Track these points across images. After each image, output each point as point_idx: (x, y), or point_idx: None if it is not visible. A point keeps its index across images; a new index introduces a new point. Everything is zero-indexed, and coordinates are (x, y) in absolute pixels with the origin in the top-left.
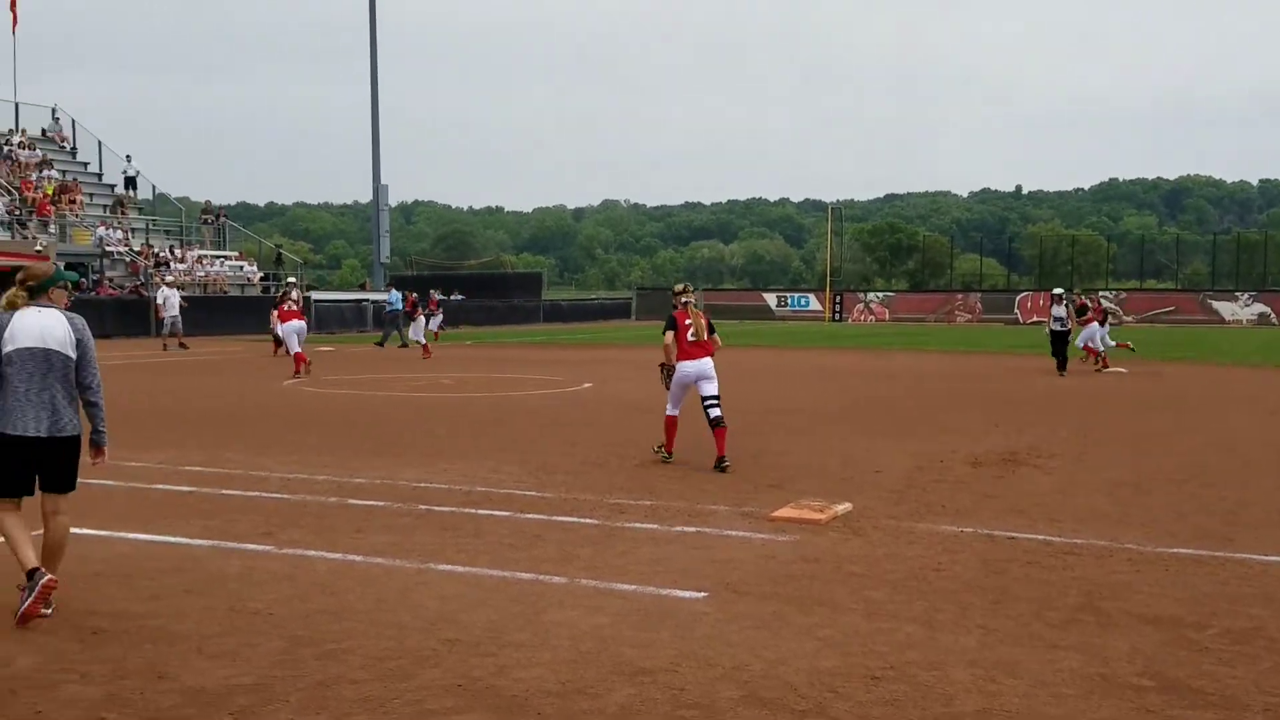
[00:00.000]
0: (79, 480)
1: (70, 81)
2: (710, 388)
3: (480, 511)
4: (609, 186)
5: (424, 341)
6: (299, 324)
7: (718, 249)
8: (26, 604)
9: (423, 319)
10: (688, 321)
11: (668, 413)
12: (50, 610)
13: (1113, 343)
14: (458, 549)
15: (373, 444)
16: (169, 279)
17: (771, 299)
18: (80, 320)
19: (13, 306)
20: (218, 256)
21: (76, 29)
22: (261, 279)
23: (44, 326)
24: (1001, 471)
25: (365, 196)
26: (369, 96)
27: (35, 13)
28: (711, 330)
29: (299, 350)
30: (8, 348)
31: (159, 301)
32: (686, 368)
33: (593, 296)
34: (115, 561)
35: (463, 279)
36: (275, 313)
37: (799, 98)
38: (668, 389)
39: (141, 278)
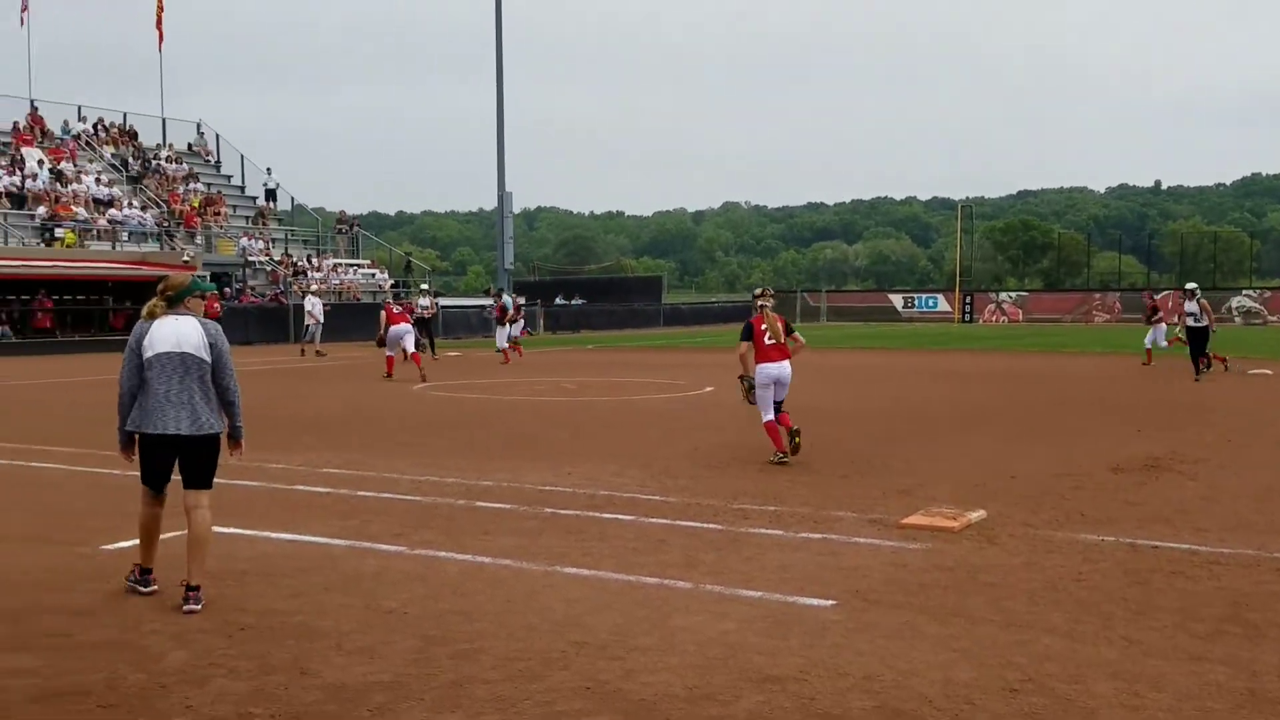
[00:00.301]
0: (226, 482)
1: (214, 97)
2: (781, 393)
3: (604, 515)
4: (729, 188)
5: (504, 347)
6: (406, 327)
7: (841, 249)
8: (133, 588)
9: (509, 325)
10: (764, 327)
11: (765, 420)
12: (200, 607)
13: (1164, 343)
14: (583, 552)
15: (499, 448)
16: (314, 288)
17: (898, 300)
18: (214, 326)
19: (152, 315)
20: (351, 265)
21: (220, 47)
22: (392, 286)
23: (180, 332)
24: (1143, 478)
25: (490, 204)
26: (494, 106)
27: (181, 31)
28: (789, 331)
29: (392, 354)
30: (148, 353)
31: (308, 309)
32: (768, 369)
33: (713, 299)
34: (260, 560)
35: (583, 284)
36: (383, 313)
37: (925, 93)
38: (747, 400)
39: (281, 286)
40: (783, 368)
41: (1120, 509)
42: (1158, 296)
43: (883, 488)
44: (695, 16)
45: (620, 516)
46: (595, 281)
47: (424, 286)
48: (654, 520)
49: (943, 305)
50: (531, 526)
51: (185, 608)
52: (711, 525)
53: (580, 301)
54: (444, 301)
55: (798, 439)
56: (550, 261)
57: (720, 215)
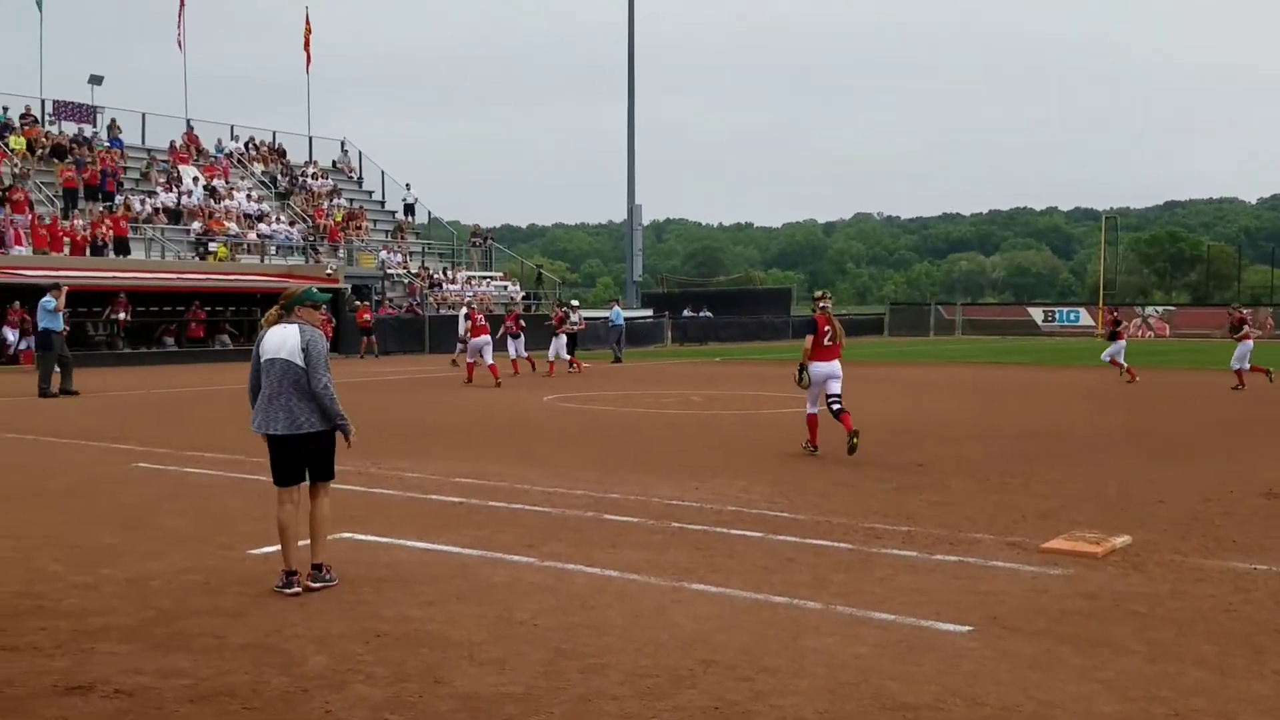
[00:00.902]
0: (365, 490)
1: (357, 115)
2: (836, 386)
3: (732, 531)
4: (861, 199)
5: (560, 358)
6: (486, 339)
7: (978, 261)
8: (282, 588)
9: (563, 337)
10: (827, 327)
11: (809, 411)
12: (318, 586)
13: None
14: (711, 568)
15: (626, 460)
16: (469, 299)
17: (1037, 314)
18: (311, 331)
19: (270, 322)
20: (484, 277)
21: (364, 66)
22: (524, 298)
23: (284, 339)
24: None
25: (620, 216)
26: (625, 119)
27: (328, 51)
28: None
29: (472, 361)
30: (262, 358)
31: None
32: (821, 368)
33: (844, 312)
34: (396, 567)
35: (711, 295)
36: (467, 324)
37: (1066, 100)
38: (801, 385)
39: (418, 298)
40: (832, 366)
41: (1274, 536)
42: (1244, 310)
43: (1022, 509)
44: (826, 22)
45: (748, 533)
46: (723, 293)
47: (574, 303)
48: (783, 538)
49: (1085, 319)
50: (659, 541)
51: (307, 585)
52: (842, 544)
53: (708, 314)
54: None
55: (856, 440)
56: (678, 273)
57: (851, 226)
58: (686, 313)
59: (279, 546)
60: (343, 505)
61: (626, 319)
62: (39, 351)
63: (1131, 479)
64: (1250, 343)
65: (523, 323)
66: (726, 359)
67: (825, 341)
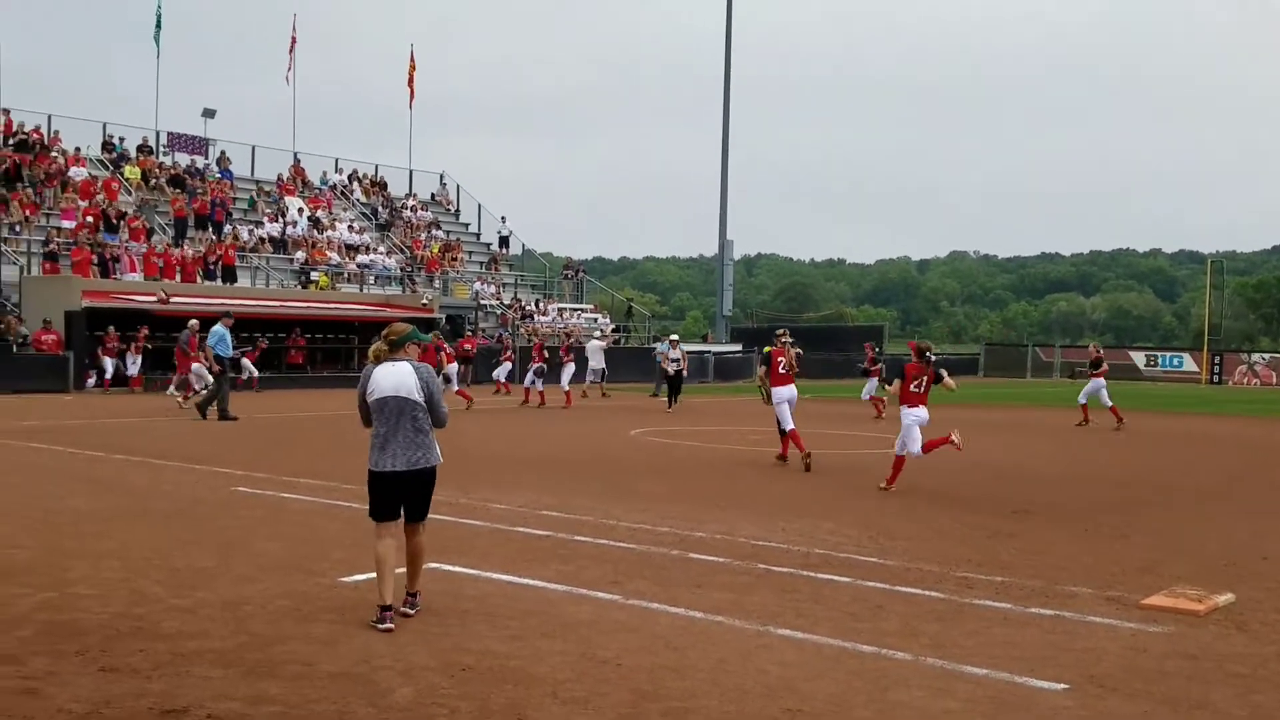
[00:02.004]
0: (454, 520)
1: (456, 147)
2: (791, 408)
3: (819, 575)
4: (957, 237)
5: (566, 390)
6: (508, 366)
7: (1077, 302)
8: (377, 622)
9: (570, 368)
10: (780, 358)
11: (788, 429)
12: (414, 611)
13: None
14: (797, 613)
15: (713, 497)
16: (598, 334)
17: (1139, 358)
18: (427, 369)
19: (377, 360)
20: (576, 309)
21: (464, 101)
22: (613, 330)
23: (399, 377)
24: None
25: (710, 250)
26: (718, 153)
27: (431, 85)
28: (796, 364)
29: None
30: (372, 396)
31: (590, 353)
32: (782, 391)
33: (937, 351)
34: (482, 600)
35: (802, 331)
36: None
37: (1170, 137)
38: (767, 401)
39: (509, 329)
40: (792, 389)
41: None
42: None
43: (1120, 562)
44: (924, 57)
45: (836, 578)
46: (814, 329)
47: (673, 338)
48: (871, 584)
49: (1189, 365)
50: (744, 582)
51: (403, 610)
52: (933, 593)
53: (798, 350)
54: (661, 347)
55: (808, 461)
56: (769, 308)
57: (946, 264)
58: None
59: (373, 575)
60: (432, 535)
61: (716, 354)
62: (218, 376)
63: (1236, 532)
64: (1103, 380)
65: (572, 354)
66: (816, 396)
67: (780, 370)
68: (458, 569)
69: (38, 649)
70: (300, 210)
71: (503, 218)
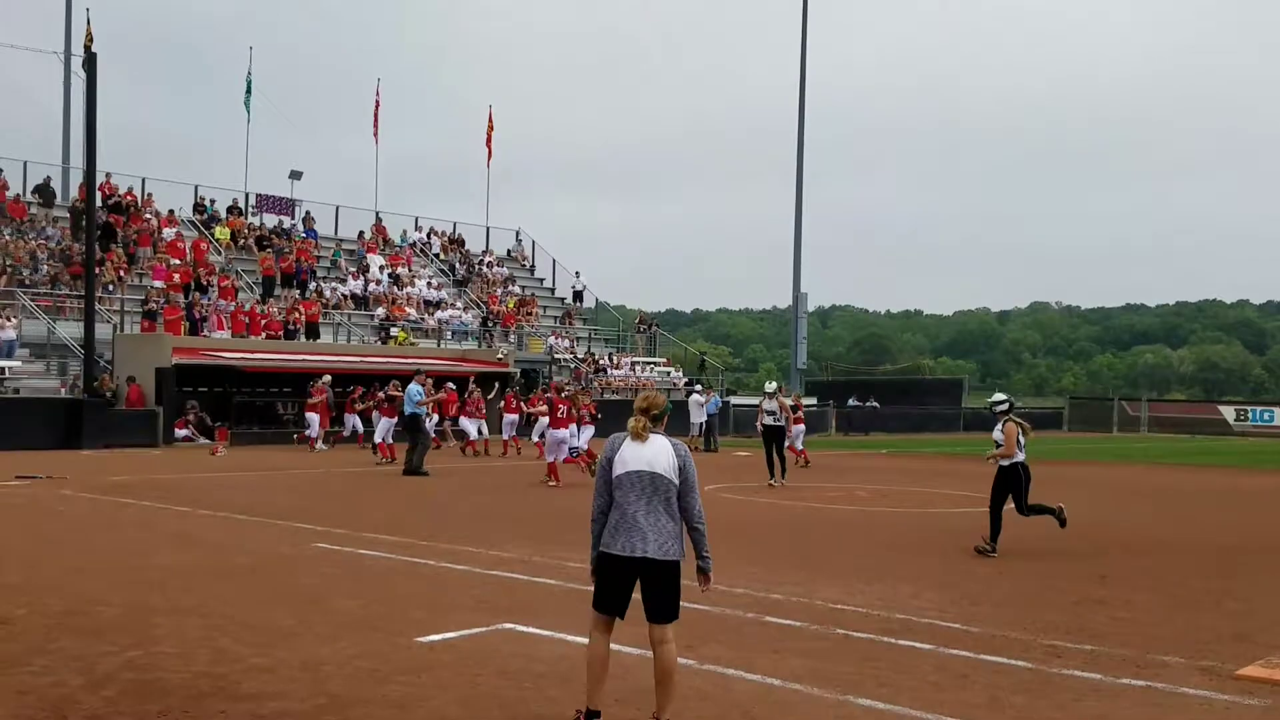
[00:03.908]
0: (523, 579)
1: (531, 203)
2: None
3: (900, 642)
4: (1038, 287)
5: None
6: (564, 433)
7: (1164, 354)
8: None
9: (467, 421)
10: (560, 406)
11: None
12: None
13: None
14: (878, 682)
15: (789, 557)
16: (698, 386)
17: (1229, 412)
18: (683, 446)
19: (638, 436)
20: (648, 363)
21: (539, 156)
22: (686, 384)
23: (654, 452)
24: None
25: (784, 302)
26: (793, 206)
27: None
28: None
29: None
30: (618, 470)
31: (700, 402)
32: (557, 433)
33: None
34: (556, 663)
35: (878, 384)
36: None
37: (1259, 185)
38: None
39: (582, 383)
40: (562, 432)
41: None
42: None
43: (1215, 630)
44: (1000, 107)
45: (918, 645)
46: (891, 382)
47: (770, 388)
48: (955, 652)
49: None
50: (823, 648)
51: None
52: (1019, 662)
53: (874, 403)
54: (736, 401)
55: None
56: (844, 361)
57: (1027, 315)
58: (852, 402)
59: (450, 635)
60: (506, 593)
61: (792, 408)
62: (411, 434)
63: None
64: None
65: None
66: (894, 451)
67: (559, 415)
68: (532, 630)
69: (123, 709)
70: (381, 267)
71: (577, 273)
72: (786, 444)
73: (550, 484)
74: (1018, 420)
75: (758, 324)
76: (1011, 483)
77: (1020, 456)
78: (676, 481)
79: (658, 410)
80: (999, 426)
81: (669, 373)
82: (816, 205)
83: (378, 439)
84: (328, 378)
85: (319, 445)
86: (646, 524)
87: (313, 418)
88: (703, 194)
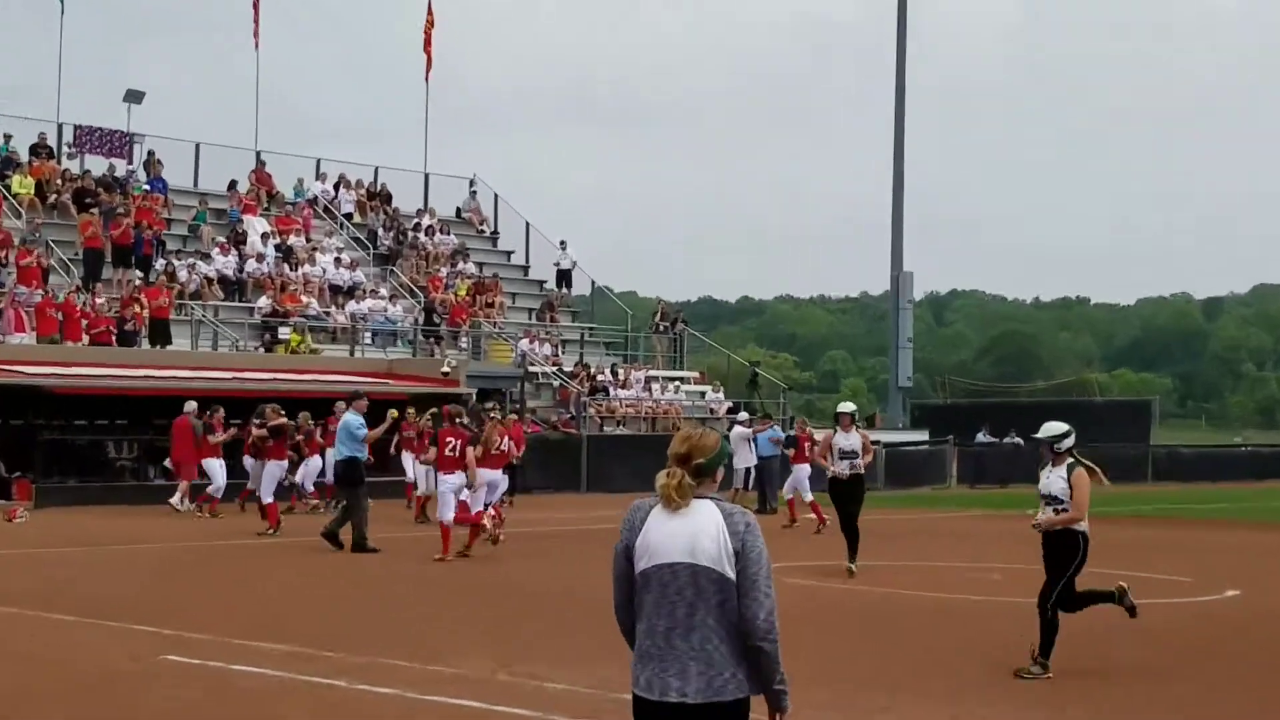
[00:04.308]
0: (474, 707)
1: (493, 144)
2: (493, 495)
3: None
4: (1262, 266)
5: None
6: (455, 479)
7: None
8: None
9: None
10: (449, 438)
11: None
12: None
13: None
14: None
15: (878, 669)
16: (742, 416)
17: None
18: (742, 516)
19: (672, 502)
20: (671, 378)
21: (504, 81)
22: (729, 410)
23: (694, 528)
24: None
25: (877, 286)
26: (889, 149)
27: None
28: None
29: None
30: (642, 563)
31: (748, 436)
32: (482, 474)
33: (1238, 442)
34: None
35: (1020, 410)
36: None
37: None
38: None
39: (572, 410)
40: (496, 474)
41: None
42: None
43: None
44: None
45: None
46: (1039, 407)
47: (844, 409)
48: None
49: None
50: None
51: None
52: None
53: (1015, 438)
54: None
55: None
56: (970, 374)
57: (1249, 305)
58: (982, 436)
59: None
60: None
61: (890, 445)
62: (346, 489)
63: None
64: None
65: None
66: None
67: (493, 450)
68: None
69: None
70: (265, 236)
71: (562, 243)
72: (786, 493)
73: (437, 558)
74: (1089, 464)
75: (837, 320)
76: (1067, 557)
77: (1085, 524)
78: (732, 574)
79: (705, 458)
80: (1057, 471)
81: (703, 393)
82: (924, 147)
83: (265, 496)
84: (192, 404)
85: (183, 505)
86: (686, 648)
87: (213, 465)
88: (750, 134)
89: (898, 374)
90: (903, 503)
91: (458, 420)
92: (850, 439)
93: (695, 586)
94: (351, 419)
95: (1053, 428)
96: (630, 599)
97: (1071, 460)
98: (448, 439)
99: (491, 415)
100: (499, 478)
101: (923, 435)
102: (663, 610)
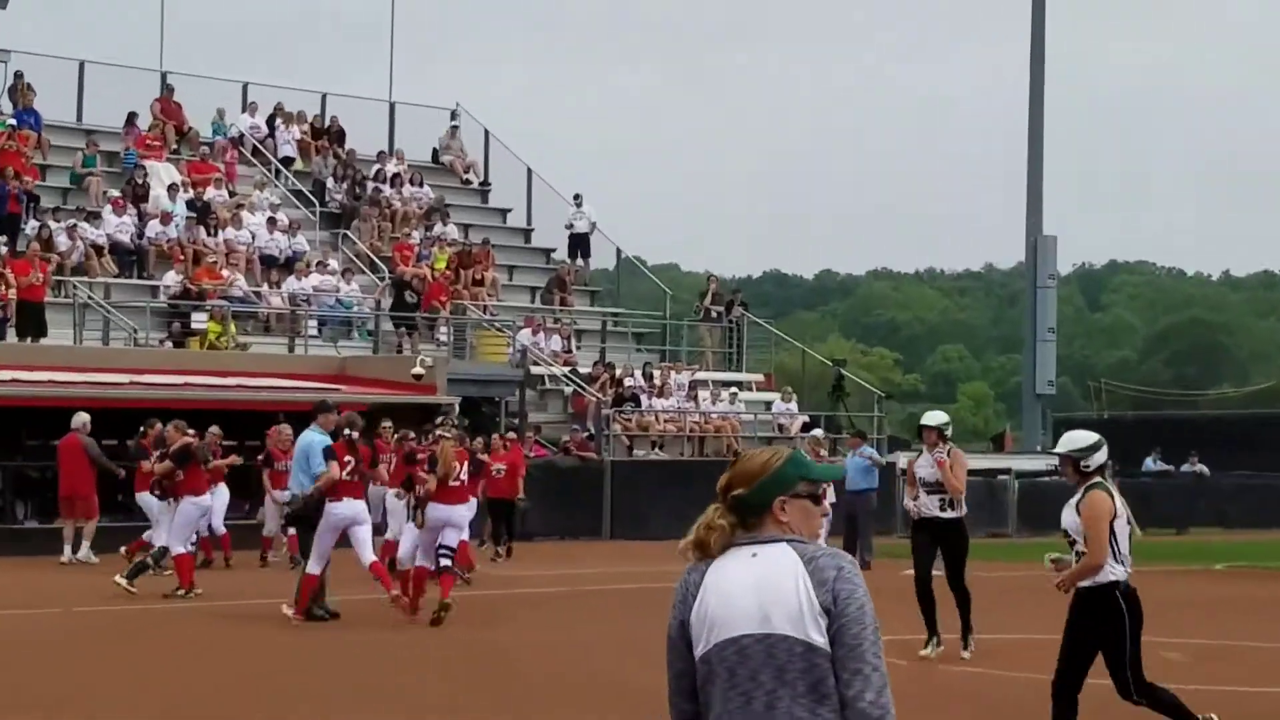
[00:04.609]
0: None
1: (479, 66)
2: (450, 538)
3: None
4: None
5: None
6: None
7: None
8: None
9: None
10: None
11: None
12: None
13: None
14: None
15: None
16: (815, 432)
17: None
18: (832, 559)
19: (703, 550)
20: (727, 384)
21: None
22: (804, 427)
23: (764, 584)
24: None
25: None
26: (1024, 65)
27: None
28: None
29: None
30: (701, 645)
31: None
32: (438, 512)
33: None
34: None
35: (1204, 426)
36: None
37: None
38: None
39: (591, 426)
40: (454, 511)
41: None
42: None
43: None
44: None
45: None
46: (1234, 421)
47: (935, 419)
48: None
49: None
50: None
51: None
52: None
53: (1200, 466)
54: (907, 457)
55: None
56: (1135, 377)
57: None
58: (1151, 463)
59: None
60: None
61: (1022, 472)
62: (302, 527)
63: None
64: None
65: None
66: (1246, 565)
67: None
68: None
69: None
70: (174, 188)
71: (576, 198)
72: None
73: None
74: (1110, 488)
75: (952, 303)
76: (1105, 626)
77: (1119, 571)
78: (822, 640)
79: (748, 486)
80: (1076, 500)
81: (769, 403)
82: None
83: (174, 546)
84: (83, 416)
85: (78, 554)
86: None
87: (146, 501)
88: (827, 51)
89: (1035, 377)
90: (1038, 552)
91: (401, 437)
92: (932, 461)
93: (773, 666)
94: (315, 439)
95: (1078, 438)
96: (692, 698)
97: (1095, 482)
98: (346, 457)
99: (443, 435)
100: (459, 514)
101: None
102: (733, 706)
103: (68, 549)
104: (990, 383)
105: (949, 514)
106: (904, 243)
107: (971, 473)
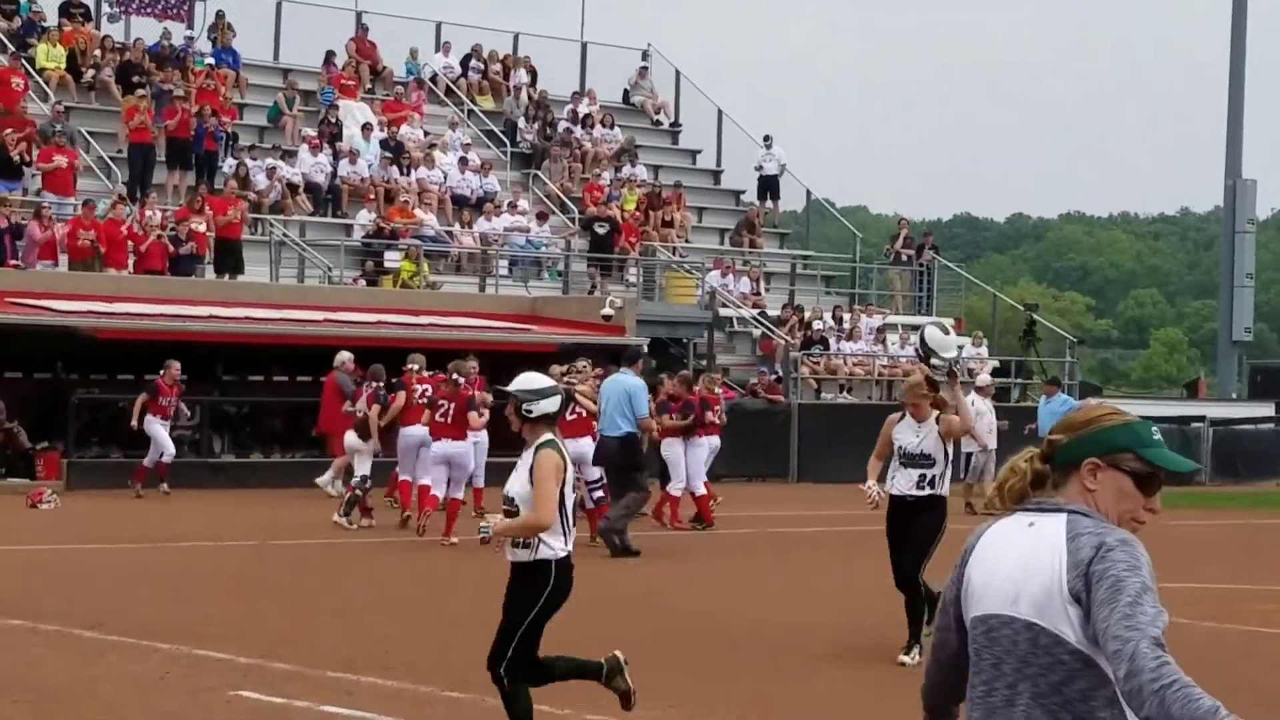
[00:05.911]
0: None
1: (670, 6)
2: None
3: None
4: None
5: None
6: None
7: None
8: None
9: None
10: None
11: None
12: None
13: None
14: None
15: None
16: (983, 379)
17: None
18: (1099, 535)
19: (1001, 497)
20: (916, 327)
21: None
22: (994, 371)
23: (1025, 561)
24: None
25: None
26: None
27: None
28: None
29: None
30: (966, 616)
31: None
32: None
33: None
34: None
35: None
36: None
37: None
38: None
39: (779, 369)
40: (456, 446)
41: None
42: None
43: None
44: None
45: None
46: None
47: (968, 360)
48: None
49: None
50: None
51: None
52: None
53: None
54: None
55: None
56: None
57: None
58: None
59: None
60: None
61: (1217, 419)
62: (623, 474)
63: None
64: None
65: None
66: None
67: (437, 417)
68: None
69: None
70: (367, 128)
71: (766, 139)
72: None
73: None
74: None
75: (1146, 247)
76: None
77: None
78: (1073, 635)
79: (1073, 434)
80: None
81: (961, 346)
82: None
83: (358, 477)
84: (345, 355)
85: (332, 487)
86: None
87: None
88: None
89: (1232, 323)
90: (1230, 502)
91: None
92: (924, 431)
93: (1017, 655)
94: (633, 381)
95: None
96: (944, 669)
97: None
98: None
99: (454, 377)
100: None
101: (1267, 409)
102: (975, 694)
103: (338, 482)
104: (1185, 328)
105: (925, 492)
106: (1097, 186)
107: (1164, 420)
